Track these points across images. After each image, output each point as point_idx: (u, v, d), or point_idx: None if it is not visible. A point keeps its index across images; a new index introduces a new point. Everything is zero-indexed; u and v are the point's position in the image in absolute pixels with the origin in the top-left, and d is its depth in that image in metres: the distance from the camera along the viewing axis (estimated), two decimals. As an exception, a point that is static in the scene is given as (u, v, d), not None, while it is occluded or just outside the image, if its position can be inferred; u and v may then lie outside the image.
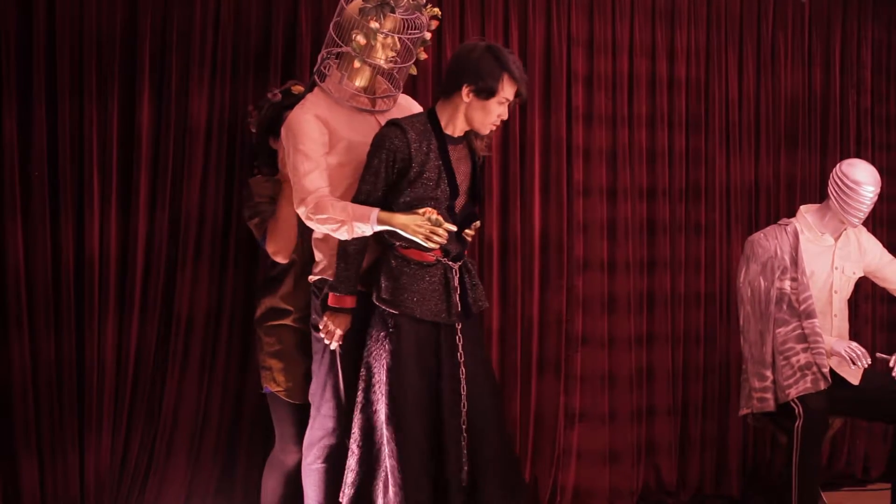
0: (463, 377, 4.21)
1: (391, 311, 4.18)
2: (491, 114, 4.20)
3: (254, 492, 4.96)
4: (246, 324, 5.17)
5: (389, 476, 4.13)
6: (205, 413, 5.17)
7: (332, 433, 4.34)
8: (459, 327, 4.25)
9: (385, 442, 4.14)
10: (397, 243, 4.20)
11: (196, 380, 5.15)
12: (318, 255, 4.44)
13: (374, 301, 4.21)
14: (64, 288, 4.93)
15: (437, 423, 4.17)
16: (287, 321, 4.63)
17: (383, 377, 4.16)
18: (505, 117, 4.26)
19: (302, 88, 4.63)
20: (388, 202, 4.18)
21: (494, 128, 4.28)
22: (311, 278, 4.44)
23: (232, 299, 5.20)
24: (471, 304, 4.30)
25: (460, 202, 4.29)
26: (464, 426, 4.19)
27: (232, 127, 5.22)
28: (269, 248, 4.61)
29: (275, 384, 4.62)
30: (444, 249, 4.21)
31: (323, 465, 4.37)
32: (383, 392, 4.15)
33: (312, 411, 4.41)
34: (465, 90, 4.17)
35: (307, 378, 4.51)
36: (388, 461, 4.13)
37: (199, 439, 5.17)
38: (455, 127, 4.25)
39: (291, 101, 4.52)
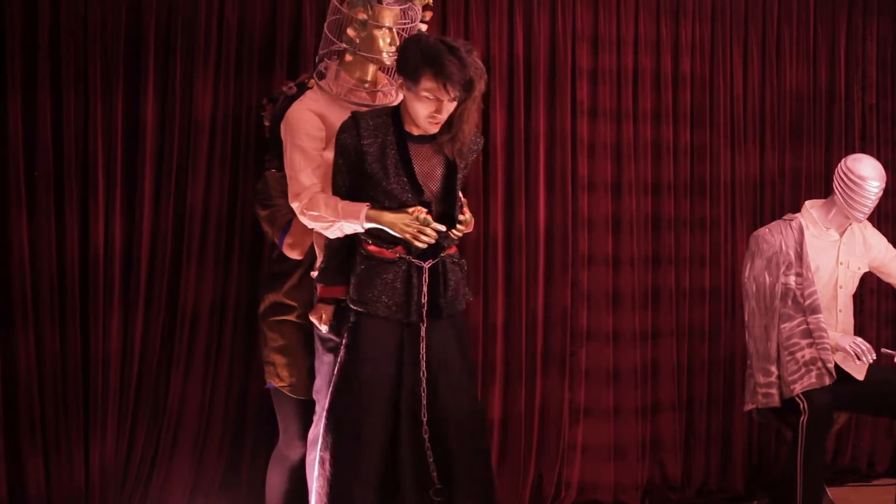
0: (424, 380, 4.12)
1: (352, 307, 4.15)
2: (421, 110, 4.03)
3: (258, 486, 4.96)
4: (251, 319, 5.18)
5: (319, 467, 4.11)
6: (210, 408, 5.18)
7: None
8: (424, 328, 4.14)
9: (329, 440, 4.10)
10: (363, 238, 4.15)
11: (201, 374, 5.16)
12: (319, 252, 4.44)
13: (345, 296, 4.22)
14: (69, 283, 4.94)
15: (395, 423, 4.09)
16: (291, 317, 4.63)
17: (336, 371, 4.13)
18: (441, 114, 4.04)
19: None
20: (357, 197, 4.13)
21: (437, 125, 4.08)
22: (314, 274, 4.44)
23: (237, 294, 5.21)
24: (442, 306, 4.17)
25: (433, 203, 4.17)
26: (425, 432, 4.10)
27: (236, 122, 5.22)
28: (287, 241, 4.58)
29: (278, 380, 4.62)
30: (406, 247, 4.13)
31: (328, 459, 4.38)
32: (333, 384, 4.13)
33: (317, 407, 4.42)
34: (398, 83, 4.11)
35: (311, 374, 4.52)
36: (320, 453, 4.10)
37: (204, 434, 5.17)
38: (412, 124, 4.14)
39: (303, 94, 4.52)
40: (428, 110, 4.03)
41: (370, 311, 4.12)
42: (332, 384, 4.13)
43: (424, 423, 4.10)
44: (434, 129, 4.11)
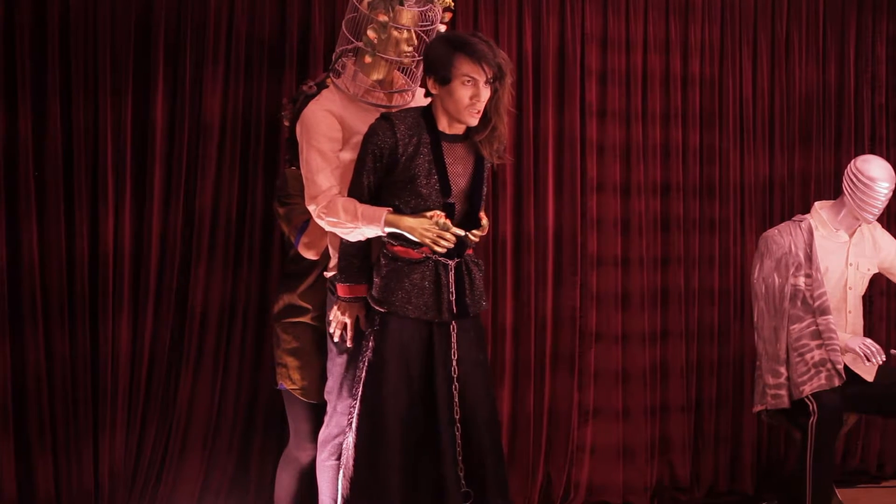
0: (456, 378, 4.12)
1: (378, 308, 4.14)
2: (460, 98, 4.06)
3: (268, 487, 4.97)
4: (260, 320, 5.19)
5: (343, 470, 4.11)
6: (219, 409, 5.19)
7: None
8: (455, 326, 4.16)
9: (352, 441, 4.10)
10: (387, 240, 4.14)
11: (210, 375, 5.17)
12: (333, 252, 4.44)
13: (367, 297, 4.20)
14: (78, 285, 4.95)
15: (432, 423, 4.09)
16: (305, 319, 4.62)
17: (363, 374, 4.14)
18: (481, 99, 4.07)
19: None
20: (387, 198, 4.14)
21: (478, 114, 4.09)
22: (327, 274, 4.43)
23: (246, 295, 5.22)
24: (468, 304, 4.20)
25: (457, 203, 4.19)
26: (457, 430, 4.10)
27: (246, 123, 5.23)
28: (304, 240, 4.55)
29: (290, 382, 4.61)
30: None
31: (337, 462, 4.36)
32: (360, 389, 4.13)
33: (329, 409, 4.41)
34: (429, 83, 4.11)
35: (323, 377, 4.49)
36: (350, 451, 4.10)
37: (214, 435, 5.18)
38: (446, 123, 4.16)
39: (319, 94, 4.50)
40: (467, 96, 4.05)
41: (399, 313, 4.11)
42: (360, 387, 4.12)
43: (457, 421, 4.11)
44: (475, 120, 4.12)
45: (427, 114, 4.17)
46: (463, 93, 4.06)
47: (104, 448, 5.00)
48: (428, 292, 4.13)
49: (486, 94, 4.08)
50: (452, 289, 4.16)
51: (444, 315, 4.14)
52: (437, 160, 4.13)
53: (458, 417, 4.11)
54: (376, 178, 4.13)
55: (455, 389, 4.11)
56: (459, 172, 4.19)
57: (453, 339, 4.15)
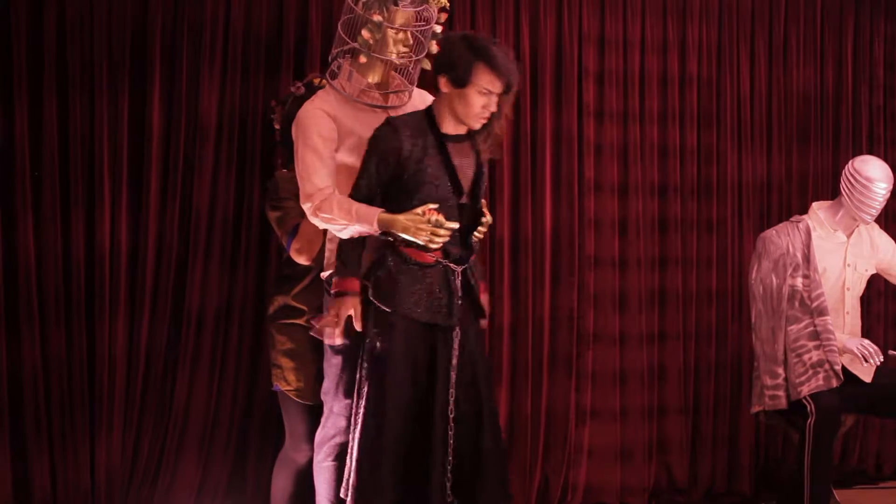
0: (453, 383, 4.13)
1: (385, 309, 4.11)
2: (472, 105, 4.07)
3: (264, 488, 4.95)
4: (257, 321, 5.18)
5: (353, 474, 4.10)
6: (216, 409, 5.18)
7: (345, 432, 4.32)
8: (458, 331, 4.16)
9: (357, 437, 4.10)
10: (397, 241, 4.12)
11: (207, 376, 5.16)
12: (329, 252, 4.43)
13: (371, 297, 4.13)
14: (74, 285, 4.95)
15: (427, 426, 4.09)
16: (300, 321, 4.60)
17: (369, 374, 4.11)
18: (493, 109, 4.09)
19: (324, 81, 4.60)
20: (398, 202, 4.11)
21: (484, 120, 4.12)
22: (324, 275, 4.42)
23: (242, 296, 5.21)
24: (475, 309, 4.23)
25: (464, 203, 4.21)
26: (450, 432, 4.11)
27: (243, 123, 5.23)
28: (294, 245, 4.56)
29: (285, 383, 4.60)
30: (444, 251, 4.13)
31: (334, 462, 4.36)
32: (365, 390, 4.12)
33: (325, 409, 4.39)
34: (441, 81, 4.10)
35: (319, 378, 4.48)
36: (354, 453, 4.10)
37: (210, 436, 5.18)
38: (449, 123, 4.16)
39: (314, 94, 4.49)
40: (480, 104, 4.07)
41: (412, 316, 4.09)
42: (367, 386, 4.11)
43: (452, 425, 4.11)
44: (480, 125, 4.14)
45: (430, 116, 4.17)
46: (476, 101, 4.07)
47: (101, 448, 4.99)
48: (436, 296, 4.13)
49: (495, 103, 4.10)
50: (461, 294, 4.17)
51: (454, 319, 4.14)
52: (445, 162, 4.13)
53: (451, 423, 4.11)
54: (378, 184, 4.12)
55: (451, 396, 4.12)
56: (465, 172, 4.21)
57: (455, 344, 4.15)
